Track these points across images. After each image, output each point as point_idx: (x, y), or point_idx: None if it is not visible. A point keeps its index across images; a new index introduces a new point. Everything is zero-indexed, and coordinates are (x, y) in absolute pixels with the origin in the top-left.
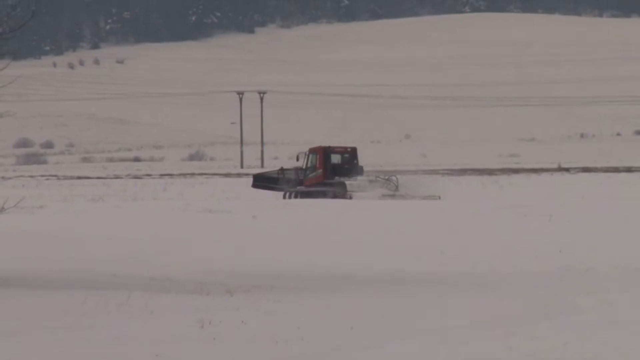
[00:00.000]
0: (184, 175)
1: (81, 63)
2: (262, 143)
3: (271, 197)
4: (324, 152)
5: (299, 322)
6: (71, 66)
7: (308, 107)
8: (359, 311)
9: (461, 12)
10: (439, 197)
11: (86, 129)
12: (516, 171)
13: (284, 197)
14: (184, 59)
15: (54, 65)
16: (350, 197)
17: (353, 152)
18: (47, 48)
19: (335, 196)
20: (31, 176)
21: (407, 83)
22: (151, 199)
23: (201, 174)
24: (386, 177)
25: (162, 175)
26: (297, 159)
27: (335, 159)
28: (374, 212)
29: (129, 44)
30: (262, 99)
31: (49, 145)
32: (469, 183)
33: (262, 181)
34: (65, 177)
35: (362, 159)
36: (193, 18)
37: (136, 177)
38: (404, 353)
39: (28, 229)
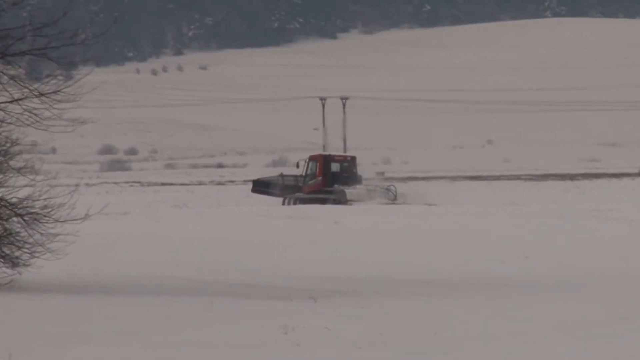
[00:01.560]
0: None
1: (164, 69)
2: (345, 149)
3: (274, 202)
4: (324, 160)
5: (382, 327)
6: (154, 72)
7: (390, 112)
8: (442, 315)
9: (542, 16)
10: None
11: (169, 135)
12: (597, 176)
13: (283, 204)
14: (267, 65)
15: (137, 71)
16: (350, 205)
17: (352, 161)
18: (130, 54)
19: (335, 203)
20: (115, 183)
21: (489, 88)
22: (234, 205)
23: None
24: (385, 187)
25: (245, 181)
26: (297, 166)
27: (335, 167)
28: (455, 216)
29: (212, 49)
30: (344, 104)
31: (132, 151)
32: (550, 188)
33: (262, 187)
34: (149, 184)
35: (443, 164)
36: (275, 24)
37: (219, 183)
38: (487, 357)
39: (112, 235)
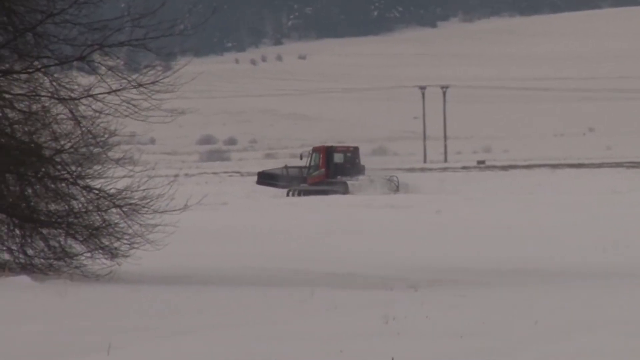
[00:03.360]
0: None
1: (263, 59)
2: (445, 138)
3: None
4: (327, 152)
5: (483, 317)
6: (253, 62)
7: (491, 101)
8: (543, 304)
9: None
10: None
11: (269, 125)
12: None
13: (288, 195)
14: (366, 54)
15: (236, 61)
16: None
17: (355, 151)
18: (229, 44)
19: (337, 194)
20: (214, 173)
21: (590, 76)
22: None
23: (383, 169)
24: (387, 177)
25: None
26: (301, 158)
27: (338, 158)
28: (553, 207)
29: (311, 39)
30: (444, 93)
31: (232, 141)
32: None
33: (266, 178)
34: (249, 174)
35: (545, 153)
36: (375, 13)
37: None
38: (590, 345)
39: (211, 225)
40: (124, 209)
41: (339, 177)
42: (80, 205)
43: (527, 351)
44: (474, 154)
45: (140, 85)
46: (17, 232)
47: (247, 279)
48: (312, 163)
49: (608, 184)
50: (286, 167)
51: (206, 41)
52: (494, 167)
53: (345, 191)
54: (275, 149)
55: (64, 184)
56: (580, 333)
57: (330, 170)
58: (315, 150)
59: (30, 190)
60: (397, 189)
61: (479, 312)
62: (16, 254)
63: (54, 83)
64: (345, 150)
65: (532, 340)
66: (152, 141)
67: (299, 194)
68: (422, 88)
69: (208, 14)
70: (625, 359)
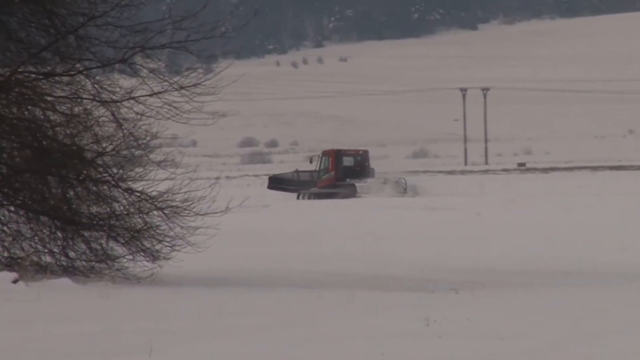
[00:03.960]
0: (409, 172)
1: (304, 61)
2: (486, 140)
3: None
4: (337, 155)
5: (524, 319)
6: (294, 65)
7: (531, 103)
8: (582, 306)
9: None
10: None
11: (310, 127)
12: None
13: (298, 198)
14: (407, 56)
15: (278, 64)
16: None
17: (365, 155)
18: (271, 47)
19: (345, 197)
20: (255, 175)
21: (629, 78)
22: (375, 196)
23: (425, 172)
24: (395, 180)
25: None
26: (310, 162)
27: (347, 161)
28: (593, 208)
29: (352, 41)
30: (485, 95)
31: (273, 144)
32: None
33: (277, 183)
34: None
35: (585, 155)
36: (415, 15)
37: None
38: (630, 348)
39: (253, 228)
40: (166, 212)
41: (347, 179)
42: (121, 208)
43: (567, 353)
44: (514, 156)
45: (181, 87)
46: (59, 234)
47: (287, 281)
48: (322, 166)
49: None
50: (297, 171)
51: (247, 44)
52: (534, 169)
53: (354, 194)
54: (316, 151)
55: (105, 187)
56: (620, 336)
57: (339, 173)
58: (325, 154)
59: (72, 193)
60: (404, 191)
61: (519, 314)
62: (58, 256)
63: (96, 85)
64: (354, 153)
65: (573, 342)
66: (194, 143)
67: (309, 197)
68: (463, 90)
69: (249, 17)
70: None
